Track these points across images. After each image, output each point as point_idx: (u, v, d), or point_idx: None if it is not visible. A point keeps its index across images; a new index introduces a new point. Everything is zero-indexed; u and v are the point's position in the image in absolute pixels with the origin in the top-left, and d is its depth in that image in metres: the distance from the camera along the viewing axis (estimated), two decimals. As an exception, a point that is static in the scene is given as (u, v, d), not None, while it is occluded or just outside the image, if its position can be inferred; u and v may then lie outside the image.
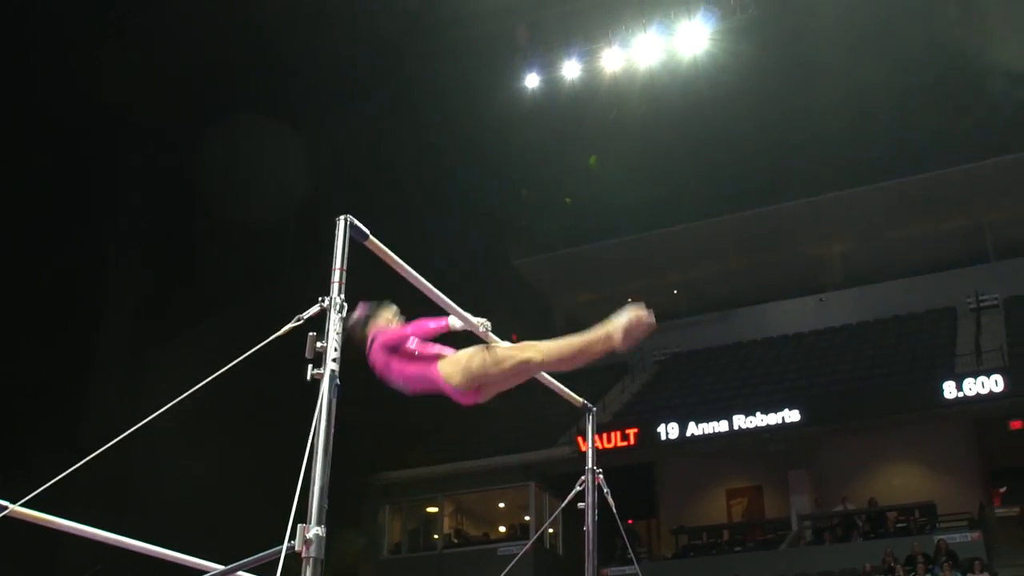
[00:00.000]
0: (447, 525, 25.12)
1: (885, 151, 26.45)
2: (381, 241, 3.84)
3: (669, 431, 22.28)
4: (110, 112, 19.76)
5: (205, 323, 19.61)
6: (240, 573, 3.62)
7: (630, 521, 23.11)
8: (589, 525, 5.54)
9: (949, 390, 20.49)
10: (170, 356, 19.48)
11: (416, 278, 4.16)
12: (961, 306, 26.51)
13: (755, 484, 24.60)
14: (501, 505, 25.96)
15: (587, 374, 27.01)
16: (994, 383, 20.07)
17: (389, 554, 24.60)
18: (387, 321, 4.85)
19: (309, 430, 3.23)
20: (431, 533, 25.13)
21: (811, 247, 30.83)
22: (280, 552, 3.08)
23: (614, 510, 5.76)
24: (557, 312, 33.81)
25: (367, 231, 3.73)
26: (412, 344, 4.72)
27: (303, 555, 3.07)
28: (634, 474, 23.36)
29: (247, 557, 3.36)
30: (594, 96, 24.48)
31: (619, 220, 29.87)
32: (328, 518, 3.14)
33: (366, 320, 4.82)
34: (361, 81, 22.42)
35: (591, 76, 24.10)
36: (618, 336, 4.40)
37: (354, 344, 4.67)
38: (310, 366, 3.37)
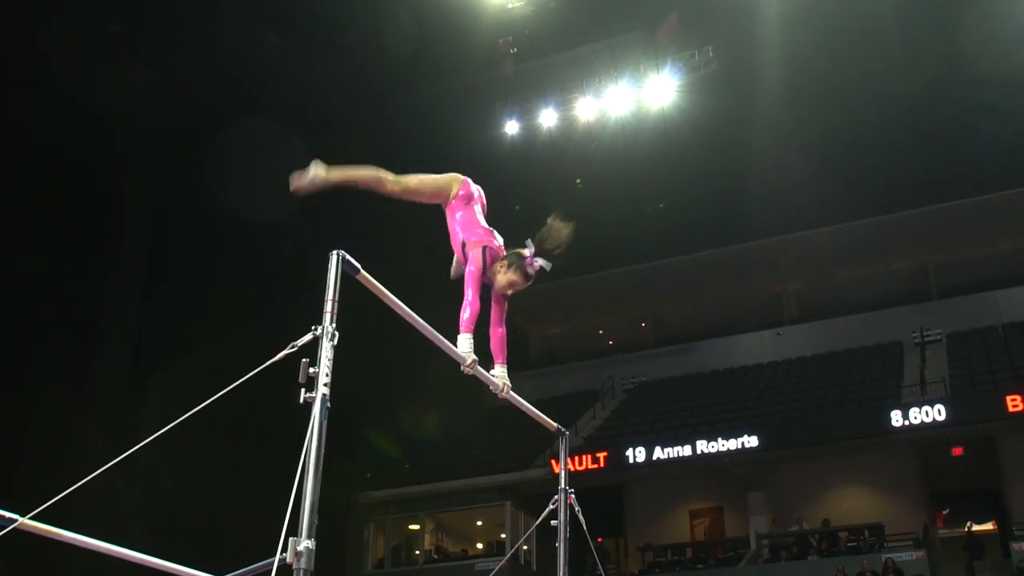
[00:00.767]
0: (428, 542, 24.95)
1: (837, 196, 26.69)
2: (370, 272, 3.86)
3: (637, 455, 22.29)
4: (109, 143, 19.68)
5: (204, 349, 19.52)
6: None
7: (600, 539, 23.03)
8: (561, 542, 5.54)
9: (896, 418, 20.61)
10: (171, 378, 19.35)
11: (405, 311, 4.17)
12: (907, 340, 26.69)
13: (716, 505, 24.56)
14: (479, 523, 25.81)
15: (561, 401, 27.10)
16: (937, 412, 20.20)
17: (373, 569, 24.39)
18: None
19: (301, 450, 3.24)
20: (413, 549, 24.94)
21: (769, 285, 31.01)
22: (272, 564, 3.08)
23: (585, 528, 5.76)
24: (532, 342, 33.83)
25: (358, 265, 3.75)
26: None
27: (294, 567, 3.06)
28: (604, 495, 23.30)
29: (241, 569, 3.35)
30: (569, 142, 24.64)
31: (591, 257, 29.97)
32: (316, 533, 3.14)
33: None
34: (351, 126, 22.49)
35: (567, 124, 24.28)
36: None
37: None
38: (303, 390, 3.38)
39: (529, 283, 4.98)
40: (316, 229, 19.63)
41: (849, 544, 20.91)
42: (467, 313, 4.77)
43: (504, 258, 4.99)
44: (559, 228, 4.96)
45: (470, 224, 5.17)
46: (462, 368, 4.74)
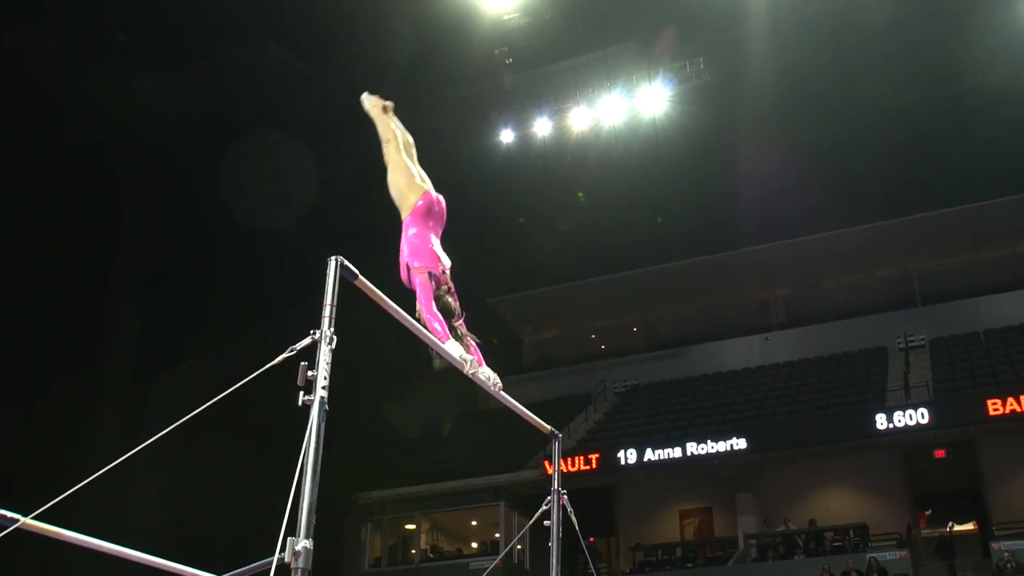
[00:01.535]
0: (423, 541, 24.91)
1: (825, 205, 26.77)
2: (367, 276, 3.85)
3: (628, 456, 22.28)
4: (112, 146, 19.63)
5: (205, 352, 19.48)
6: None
7: (591, 539, 23.01)
8: (554, 542, 5.53)
9: (880, 422, 20.65)
10: (172, 381, 19.31)
11: (401, 315, 4.17)
12: (891, 346, 26.75)
13: (706, 506, 24.56)
14: (474, 523, 25.78)
15: (554, 404, 27.08)
16: (920, 415, 20.25)
17: (370, 568, 24.33)
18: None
19: (299, 452, 3.24)
20: (409, 548, 24.89)
21: (757, 291, 31.07)
22: (271, 563, 3.07)
23: (577, 528, 5.76)
24: (526, 347, 33.83)
25: (356, 271, 3.75)
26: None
27: (292, 566, 3.06)
28: (595, 495, 23.31)
29: (240, 568, 3.34)
30: (563, 151, 24.65)
31: (583, 264, 30.02)
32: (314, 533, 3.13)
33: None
34: (349, 133, 22.47)
35: (560, 133, 24.29)
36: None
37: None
38: (301, 393, 3.37)
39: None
40: (316, 236, 19.65)
41: (835, 544, 20.94)
42: (437, 325, 4.83)
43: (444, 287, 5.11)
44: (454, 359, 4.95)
45: (419, 246, 5.18)
46: (465, 371, 4.78)
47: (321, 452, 3.27)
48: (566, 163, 24.76)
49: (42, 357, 18.35)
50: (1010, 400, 19.77)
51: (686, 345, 30.09)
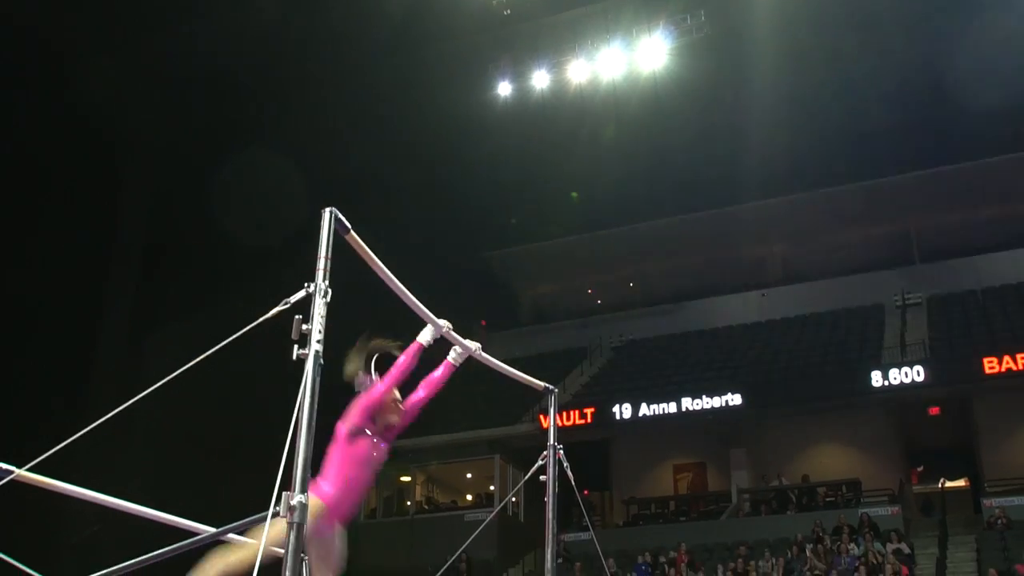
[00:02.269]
0: (419, 493, 25.13)
1: (823, 161, 26.65)
2: (361, 230, 3.80)
3: (623, 411, 22.40)
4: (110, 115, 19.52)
5: (202, 305, 19.47)
6: (230, 535, 3.61)
7: (586, 492, 23.21)
8: (550, 496, 5.56)
9: (876, 379, 20.74)
10: (168, 334, 19.31)
11: (389, 277, 4.13)
12: (888, 303, 26.77)
13: (699, 461, 24.76)
14: (468, 476, 25.98)
15: (549, 358, 27.13)
16: (916, 373, 20.33)
17: (365, 519, 24.54)
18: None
19: (294, 405, 3.22)
20: (404, 500, 25.13)
21: (754, 247, 31.00)
22: (267, 517, 3.08)
23: (572, 482, 5.79)
24: (522, 301, 33.84)
25: (348, 225, 3.70)
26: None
27: (288, 520, 3.06)
28: (590, 449, 23.44)
29: (237, 522, 3.35)
30: (561, 104, 24.44)
31: (580, 218, 29.92)
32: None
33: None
34: (346, 87, 22.31)
35: (559, 86, 24.07)
36: None
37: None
38: (296, 346, 3.35)
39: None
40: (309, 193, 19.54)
41: (827, 499, 21.16)
42: (400, 364, 4.63)
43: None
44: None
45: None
46: (441, 332, 4.71)
47: (316, 406, 3.26)
48: (564, 116, 24.56)
49: (41, 312, 18.34)
50: (1006, 358, 19.84)
51: (683, 301, 30.09)
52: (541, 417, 22.38)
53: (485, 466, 24.39)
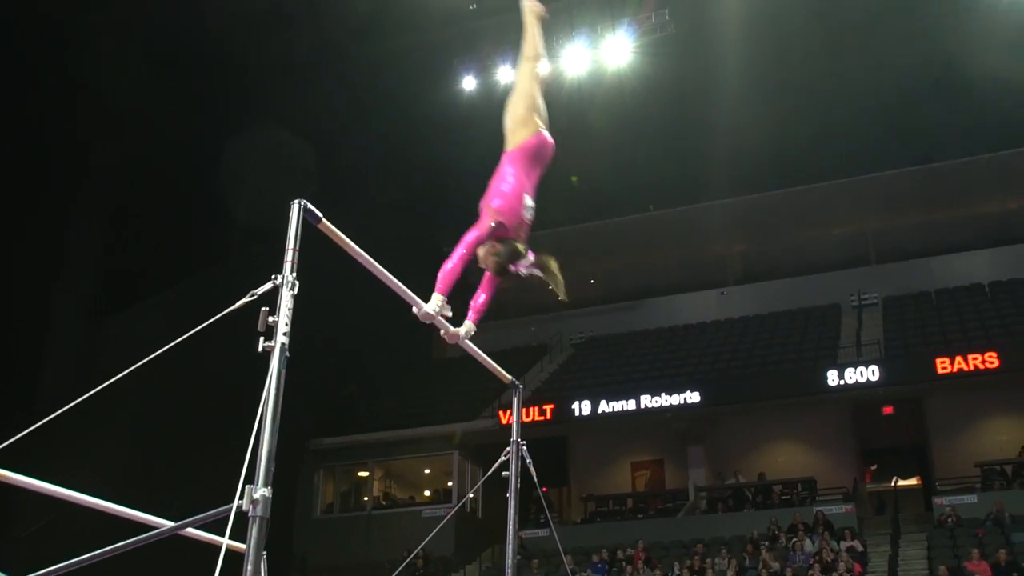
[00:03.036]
0: (376, 488, 25.05)
1: (783, 162, 26.89)
2: (335, 223, 3.78)
3: (582, 408, 22.47)
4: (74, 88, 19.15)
5: (163, 293, 19.19)
6: (190, 529, 3.55)
7: (543, 488, 23.22)
8: (512, 492, 5.54)
9: (832, 378, 21.00)
10: (126, 323, 19.01)
11: (366, 259, 4.11)
12: (845, 303, 27.14)
13: (657, 458, 24.91)
14: (427, 471, 25.92)
15: (510, 353, 27.19)
16: (871, 373, 20.61)
17: (322, 514, 24.44)
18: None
19: (258, 398, 3.18)
20: (361, 495, 25.03)
21: (715, 246, 31.25)
22: (230, 511, 3.03)
23: (535, 479, 5.78)
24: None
25: (320, 214, 3.67)
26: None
27: (250, 514, 3.02)
28: (549, 446, 23.46)
29: (198, 515, 3.30)
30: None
31: (541, 214, 29.81)
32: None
33: None
34: (311, 79, 22.13)
35: (523, 81, 24.01)
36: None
37: None
38: (261, 339, 3.31)
39: (499, 277, 4.79)
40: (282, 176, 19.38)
41: (783, 497, 21.39)
42: (442, 271, 4.61)
43: (503, 242, 4.71)
44: (559, 284, 4.70)
45: (508, 188, 4.79)
46: (416, 311, 4.64)
47: (281, 399, 3.22)
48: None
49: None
50: (958, 359, 20.19)
51: (643, 298, 30.25)
52: (501, 413, 22.40)
53: (443, 462, 24.35)
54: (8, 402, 15.16)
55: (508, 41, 23.71)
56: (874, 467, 24.67)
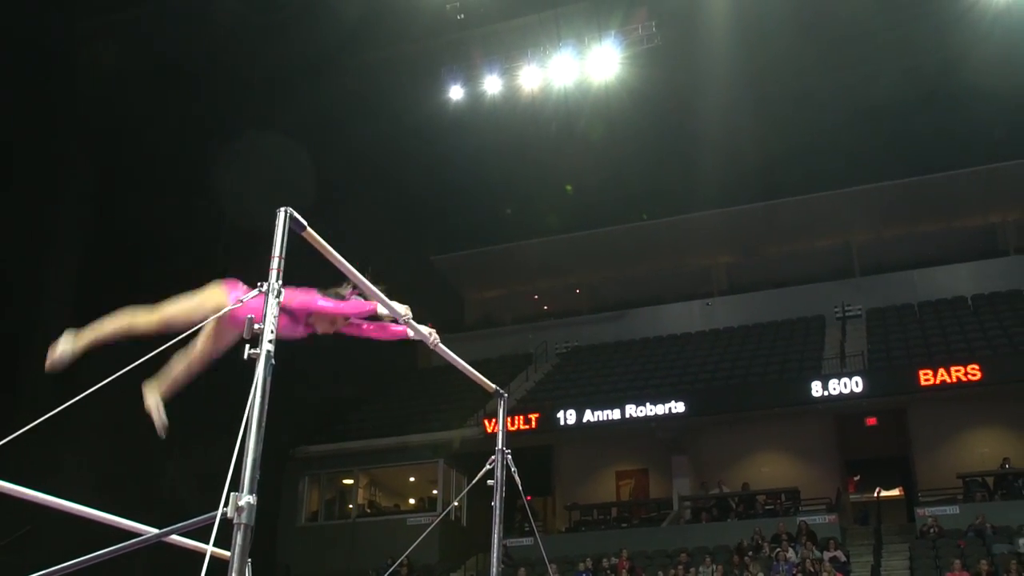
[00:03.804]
0: (361, 496, 24.96)
1: (768, 174, 27.00)
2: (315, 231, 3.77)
3: (567, 417, 22.46)
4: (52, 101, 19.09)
5: (147, 300, 19.03)
6: (174, 537, 3.53)
7: (528, 497, 23.20)
8: (497, 501, 5.53)
9: (816, 389, 21.06)
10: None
11: (348, 269, 4.10)
12: (829, 315, 27.26)
13: (642, 467, 24.92)
14: (412, 479, 25.86)
15: (495, 363, 27.19)
16: (855, 384, 20.69)
17: (306, 521, 24.33)
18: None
19: (244, 406, 3.17)
20: (346, 503, 24.94)
21: (700, 257, 31.36)
22: (214, 518, 3.02)
23: (520, 488, 5.77)
24: (469, 305, 33.82)
25: (304, 223, 3.66)
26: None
27: (235, 521, 3.01)
28: (534, 455, 23.45)
29: (182, 522, 3.28)
30: (513, 110, 24.44)
31: (528, 224, 29.97)
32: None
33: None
34: (300, 88, 22.14)
35: (511, 92, 24.05)
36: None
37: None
38: (247, 346, 3.30)
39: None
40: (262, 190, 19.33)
41: (767, 507, 21.43)
42: (351, 301, 4.57)
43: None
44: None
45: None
46: (400, 319, 4.65)
47: (266, 407, 3.21)
48: (515, 122, 24.56)
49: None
50: (940, 371, 20.30)
51: (628, 308, 30.33)
52: (486, 421, 22.38)
53: (428, 470, 24.30)
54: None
55: (495, 50, 23.81)
56: (857, 478, 24.74)
